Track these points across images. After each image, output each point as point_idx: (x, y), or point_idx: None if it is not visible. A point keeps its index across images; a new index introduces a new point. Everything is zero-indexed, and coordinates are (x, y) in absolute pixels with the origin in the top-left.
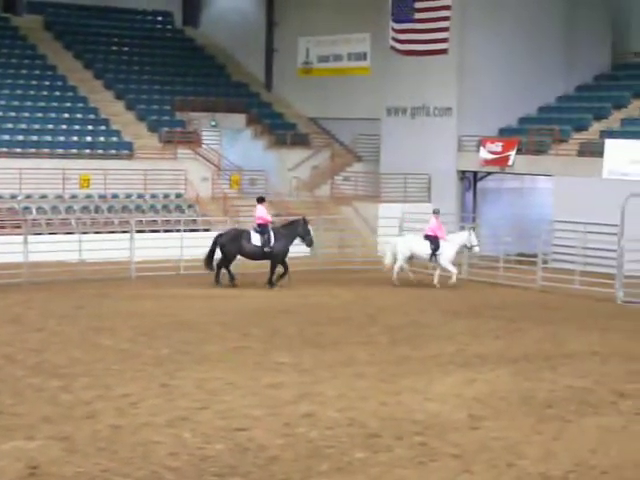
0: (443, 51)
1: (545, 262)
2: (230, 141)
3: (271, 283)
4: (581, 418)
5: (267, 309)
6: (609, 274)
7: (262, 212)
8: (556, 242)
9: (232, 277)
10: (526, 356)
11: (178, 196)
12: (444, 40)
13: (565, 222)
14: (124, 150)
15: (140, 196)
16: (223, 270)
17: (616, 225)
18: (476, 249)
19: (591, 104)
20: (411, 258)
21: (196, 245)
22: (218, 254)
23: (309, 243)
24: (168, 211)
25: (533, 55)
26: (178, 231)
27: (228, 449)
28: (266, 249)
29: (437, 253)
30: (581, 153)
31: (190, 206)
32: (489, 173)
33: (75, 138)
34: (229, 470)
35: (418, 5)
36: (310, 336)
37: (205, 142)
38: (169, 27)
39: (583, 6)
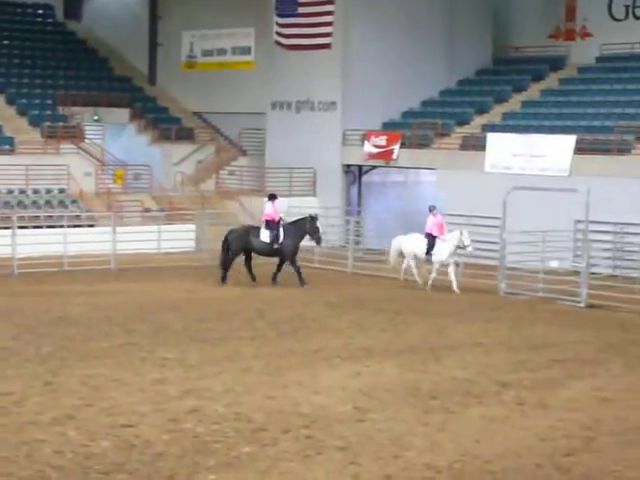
0: (326, 45)
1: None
2: (113, 136)
3: (275, 280)
4: (465, 409)
5: (153, 305)
6: (492, 266)
7: (269, 209)
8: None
9: (253, 277)
10: (411, 348)
11: (61, 191)
12: (328, 35)
13: (448, 215)
14: (5, 145)
15: (22, 191)
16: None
17: (498, 218)
18: (469, 249)
19: (473, 98)
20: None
21: (80, 241)
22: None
23: (317, 240)
24: (51, 207)
25: (416, 49)
26: (61, 227)
27: (114, 446)
28: (275, 245)
29: (432, 252)
30: (463, 147)
31: (73, 201)
32: (374, 167)
33: None
34: (115, 467)
35: None
36: (196, 331)
37: (88, 137)
38: (50, 20)
39: (464, 0)
